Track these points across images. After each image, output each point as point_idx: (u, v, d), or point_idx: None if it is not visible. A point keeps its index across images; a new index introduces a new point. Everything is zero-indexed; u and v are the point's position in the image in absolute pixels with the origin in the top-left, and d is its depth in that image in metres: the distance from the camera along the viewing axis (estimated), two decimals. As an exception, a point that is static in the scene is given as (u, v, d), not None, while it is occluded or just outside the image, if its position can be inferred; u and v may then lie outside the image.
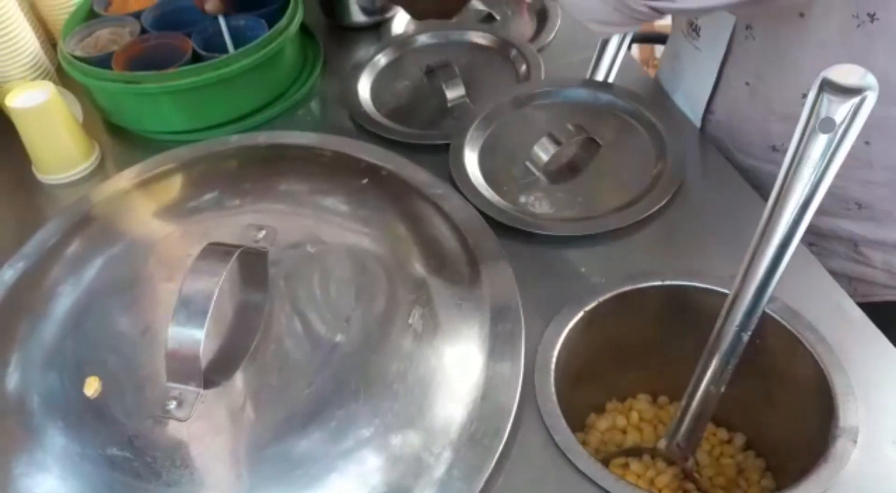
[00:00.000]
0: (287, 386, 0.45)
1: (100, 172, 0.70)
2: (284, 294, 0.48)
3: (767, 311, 0.48)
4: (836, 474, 0.42)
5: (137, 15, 0.74)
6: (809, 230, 0.60)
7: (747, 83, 0.59)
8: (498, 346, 0.47)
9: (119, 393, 0.44)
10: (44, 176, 0.68)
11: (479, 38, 0.78)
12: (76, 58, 0.69)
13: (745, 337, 0.48)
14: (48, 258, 0.52)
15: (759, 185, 0.60)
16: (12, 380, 0.45)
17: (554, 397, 0.47)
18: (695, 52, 0.64)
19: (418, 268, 0.50)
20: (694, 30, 0.64)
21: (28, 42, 0.74)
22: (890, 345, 0.48)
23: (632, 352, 0.57)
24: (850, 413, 0.45)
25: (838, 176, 0.58)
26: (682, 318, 0.54)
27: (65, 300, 0.48)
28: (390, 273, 0.49)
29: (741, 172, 0.61)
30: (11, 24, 0.72)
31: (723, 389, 0.50)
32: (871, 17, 0.51)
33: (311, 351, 0.46)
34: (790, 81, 0.58)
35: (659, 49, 1.72)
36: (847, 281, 0.63)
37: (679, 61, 0.68)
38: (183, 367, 0.42)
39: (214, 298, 0.42)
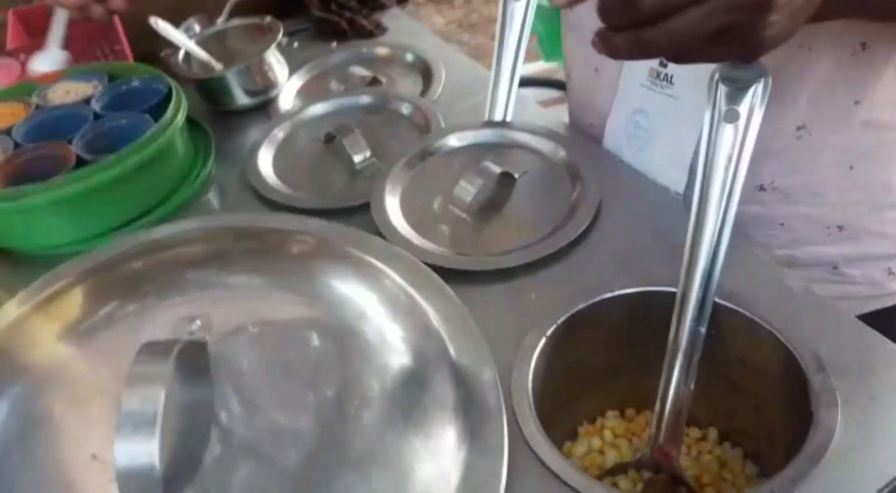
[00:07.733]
0: (254, 479, 0.41)
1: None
2: (235, 383, 0.44)
3: (717, 300, 0.49)
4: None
5: (8, 131, 0.69)
6: (784, 262, 0.61)
7: None
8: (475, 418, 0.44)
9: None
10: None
11: (369, 99, 0.78)
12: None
13: (703, 330, 0.49)
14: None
15: (741, 229, 0.56)
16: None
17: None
18: (669, 101, 0.61)
19: (369, 331, 0.48)
20: (664, 78, 0.60)
21: None
22: (841, 311, 0.51)
23: (594, 371, 0.57)
24: (821, 381, 0.46)
25: (820, 204, 0.60)
26: (638, 326, 0.54)
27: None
28: (341, 340, 0.46)
29: None
30: None
31: (692, 385, 0.50)
32: (863, 45, 0.53)
33: (273, 439, 0.43)
34: (787, 115, 0.57)
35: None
36: None
37: (647, 116, 0.63)
38: (138, 484, 0.38)
39: (162, 401, 0.38)
